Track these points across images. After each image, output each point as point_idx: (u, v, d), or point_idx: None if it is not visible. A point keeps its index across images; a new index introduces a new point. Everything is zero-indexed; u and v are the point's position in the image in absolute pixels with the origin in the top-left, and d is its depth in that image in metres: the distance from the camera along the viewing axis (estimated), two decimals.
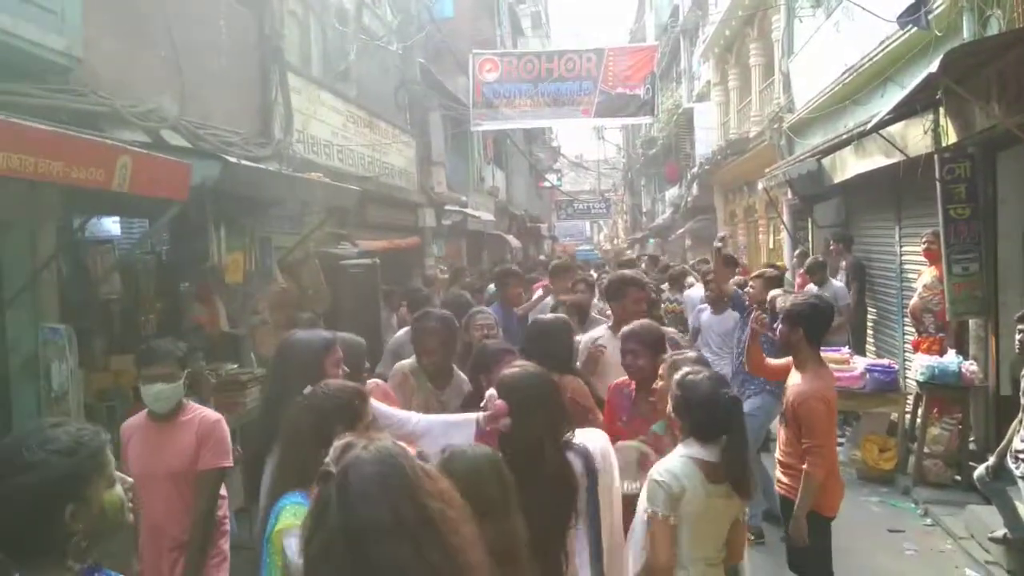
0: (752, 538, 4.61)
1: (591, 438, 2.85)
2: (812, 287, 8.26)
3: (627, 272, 5.45)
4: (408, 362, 4.09)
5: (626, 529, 2.92)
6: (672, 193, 27.31)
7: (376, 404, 2.78)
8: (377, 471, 1.42)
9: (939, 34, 6.66)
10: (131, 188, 3.82)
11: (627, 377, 3.80)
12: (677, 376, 2.88)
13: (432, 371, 3.98)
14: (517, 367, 2.89)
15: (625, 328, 3.95)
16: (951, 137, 6.22)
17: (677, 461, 2.73)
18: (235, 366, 6.17)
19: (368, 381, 3.60)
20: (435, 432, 2.87)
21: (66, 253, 5.18)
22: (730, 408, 2.73)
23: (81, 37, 4.92)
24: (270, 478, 2.61)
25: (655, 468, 2.75)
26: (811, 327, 3.87)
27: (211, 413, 3.53)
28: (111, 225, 6.92)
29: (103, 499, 1.65)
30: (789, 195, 12.58)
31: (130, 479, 1.80)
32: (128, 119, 5.31)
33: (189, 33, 6.50)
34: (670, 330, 5.30)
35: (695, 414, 2.75)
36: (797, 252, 11.41)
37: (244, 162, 5.79)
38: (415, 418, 3.01)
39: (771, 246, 15.90)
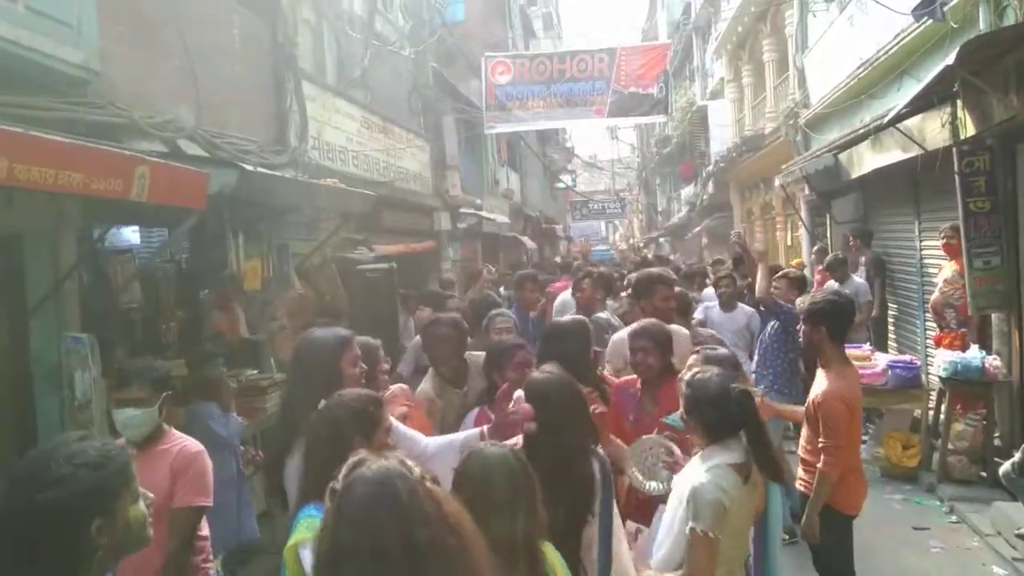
0: (786, 537, 4.57)
1: None
2: (832, 284, 8.20)
3: (654, 270, 5.39)
4: (426, 384, 4.05)
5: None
6: (687, 191, 27.22)
7: (395, 425, 2.79)
8: (370, 492, 1.41)
9: (955, 26, 6.60)
10: (150, 198, 3.86)
11: (632, 377, 3.82)
12: (686, 376, 2.86)
13: (450, 375, 4.02)
14: (546, 373, 2.88)
15: (635, 325, 3.97)
16: (969, 130, 6.17)
17: (717, 473, 2.63)
18: (255, 372, 6.22)
19: (392, 386, 3.63)
20: (446, 457, 2.82)
21: (87, 263, 5.24)
22: (742, 402, 2.70)
23: (97, 50, 4.98)
24: (296, 485, 2.62)
25: (700, 485, 2.62)
26: (833, 324, 3.83)
27: (192, 444, 3.25)
28: (131, 235, 7.01)
29: (129, 514, 1.65)
30: (806, 191, 12.50)
31: (151, 495, 1.79)
32: (145, 130, 5.37)
33: (203, 43, 6.57)
34: (706, 330, 5.30)
35: (707, 413, 2.72)
36: (816, 248, 11.33)
37: (260, 170, 5.83)
38: (426, 441, 3.03)
39: (789, 243, 15.80)
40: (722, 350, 3.56)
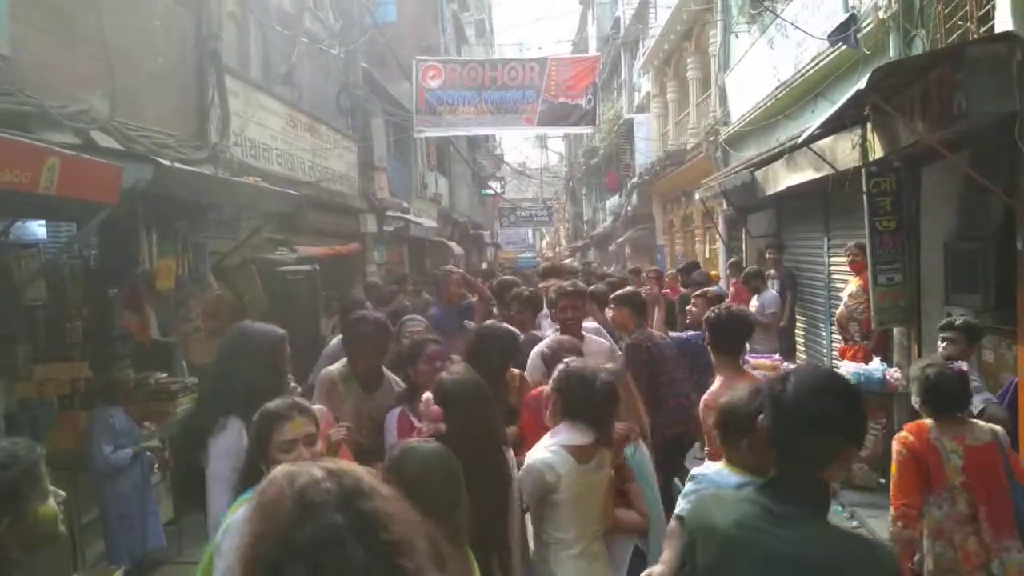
0: None
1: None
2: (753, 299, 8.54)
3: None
4: (337, 367, 4.04)
5: None
6: (613, 202, 27.69)
7: None
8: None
9: (867, 52, 6.93)
10: (59, 191, 3.70)
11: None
12: (566, 360, 3.11)
13: (365, 376, 3.96)
14: (455, 374, 3.02)
15: (550, 341, 4.13)
16: (877, 152, 6.46)
17: (550, 452, 2.86)
18: (165, 375, 6.01)
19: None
20: None
21: None
22: (606, 392, 2.92)
23: (7, 34, 4.75)
24: (221, 463, 2.64)
25: (528, 460, 2.90)
26: (714, 336, 3.89)
27: None
28: (37, 228, 6.66)
29: (38, 512, 1.68)
30: (724, 206, 12.88)
31: (63, 493, 1.81)
32: (57, 120, 5.14)
33: (123, 32, 6.33)
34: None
35: (571, 391, 2.92)
36: (731, 261, 11.70)
37: (178, 165, 5.65)
38: None
39: (707, 255, 16.26)
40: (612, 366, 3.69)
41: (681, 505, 2.62)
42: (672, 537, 2.44)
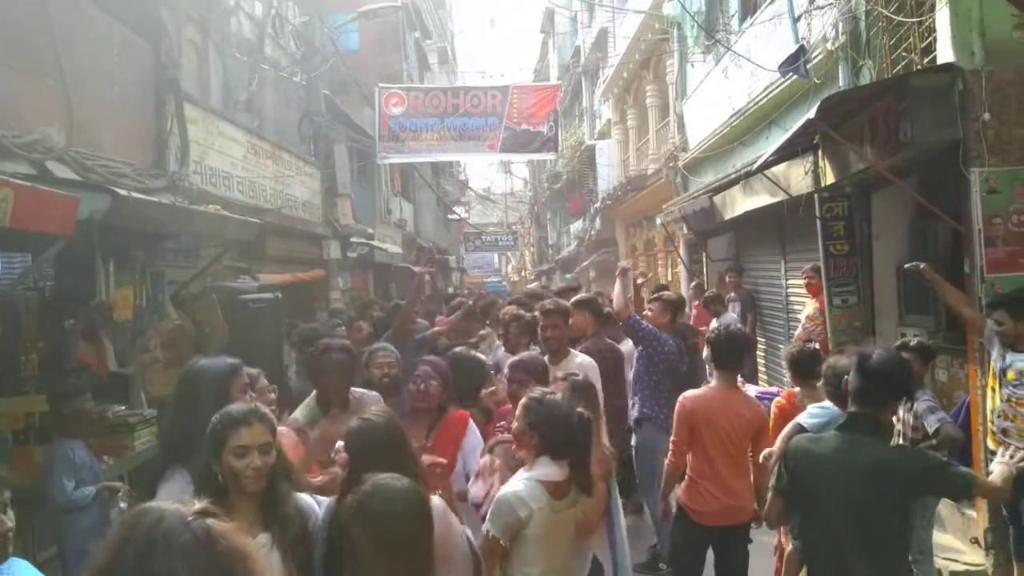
0: None
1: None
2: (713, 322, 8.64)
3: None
4: (301, 414, 3.91)
5: None
6: (577, 226, 27.92)
7: None
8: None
9: (818, 82, 7.15)
10: (12, 223, 3.64)
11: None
12: (534, 393, 3.03)
13: (337, 401, 3.89)
14: (366, 418, 2.82)
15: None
16: (829, 178, 6.65)
17: (523, 484, 2.82)
18: (123, 408, 5.89)
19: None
20: None
21: None
22: (585, 428, 2.92)
23: None
24: None
25: (503, 493, 2.84)
26: (713, 352, 4.33)
27: None
28: None
29: None
30: (685, 230, 13.09)
31: (9, 523, 1.80)
32: (11, 149, 5.06)
33: (79, 61, 6.27)
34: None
35: (549, 430, 2.87)
36: (693, 284, 11.87)
37: (135, 195, 5.59)
38: None
39: (669, 278, 16.44)
40: (581, 377, 3.73)
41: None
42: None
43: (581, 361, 4.85)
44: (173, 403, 3.13)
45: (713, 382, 4.38)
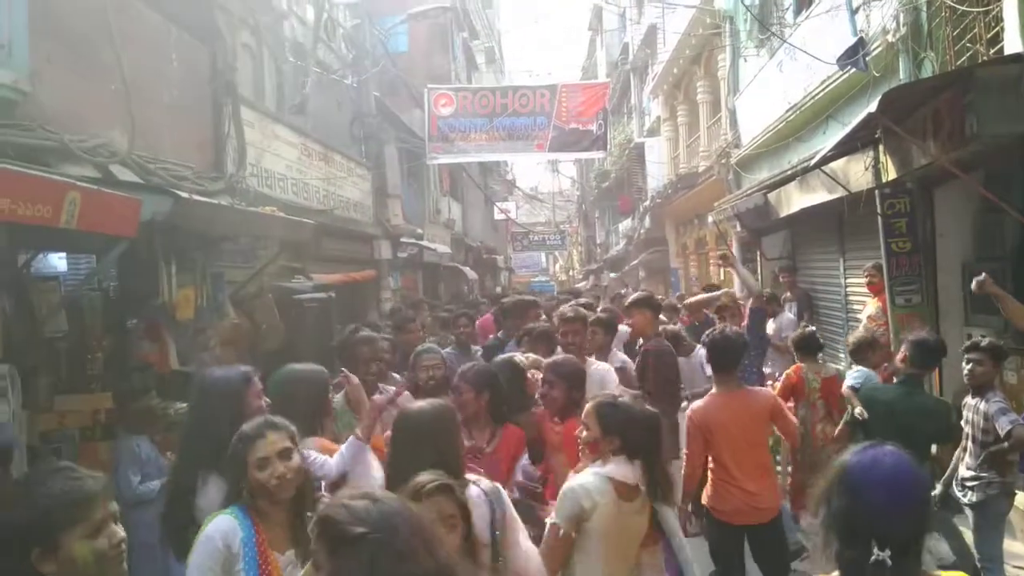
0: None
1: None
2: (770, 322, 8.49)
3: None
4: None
5: None
6: (626, 225, 27.72)
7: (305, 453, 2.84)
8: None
9: (877, 75, 6.95)
10: (79, 225, 3.75)
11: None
12: (605, 400, 3.02)
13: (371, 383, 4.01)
14: (418, 405, 2.97)
15: (549, 360, 4.12)
16: (891, 173, 6.46)
17: (592, 477, 2.82)
18: (184, 405, 6.03)
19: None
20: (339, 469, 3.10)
21: (10, 290, 5.04)
22: (657, 428, 2.94)
23: (28, 70, 4.84)
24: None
25: (569, 486, 2.84)
26: (711, 356, 4.41)
27: None
28: (57, 261, 6.76)
29: (75, 549, 1.71)
30: (738, 228, 12.88)
31: (122, 533, 1.84)
32: (77, 154, 5.21)
33: (140, 66, 6.43)
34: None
35: (628, 432, 2.86)
36: None
37: (196, 197, 5.72)
38: (320, 460, 3.11)
39: (721, 278, 16.20)
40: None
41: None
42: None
43: (597, 368, 4.80)
44: (191, 413, 3.19)
45: (713, 388, 4.37)
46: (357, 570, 1.48)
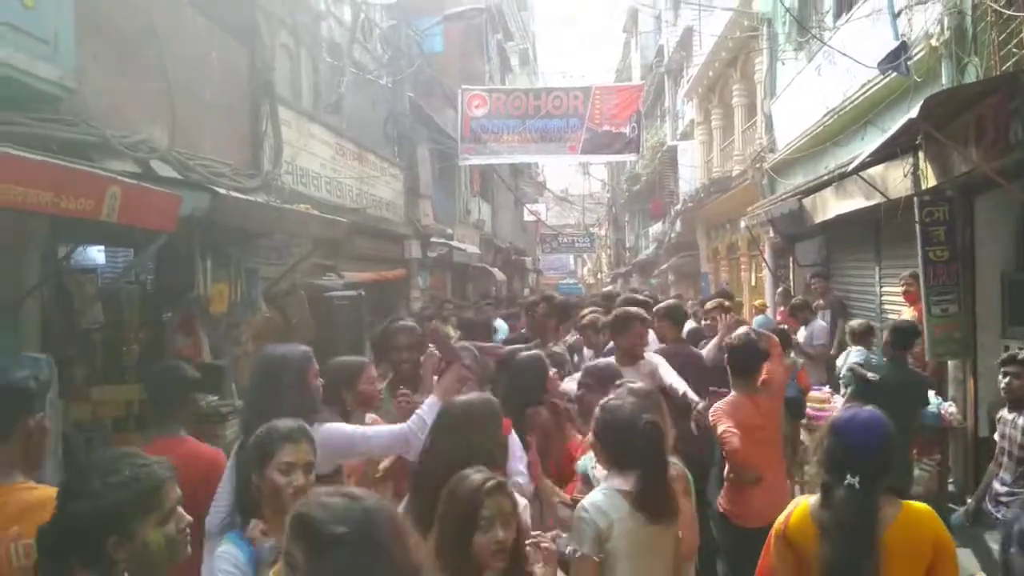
0: None
1: None
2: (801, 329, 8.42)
3: (632, 309, 5.34)
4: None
5: None
6: (656, 229, 27.55)
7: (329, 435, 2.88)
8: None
9: (918, 80, 6.83)
10: (120, 219, 3.82)
11: None
12: (604, 401, 2.87)
13: (405, 375, 4.03)
14: (466, 397, 2.97)
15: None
16: (930, 181, 6.34)
17: (601, 494, 2.66)
18: (215, 398, 6.11)
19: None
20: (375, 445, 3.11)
21: (49, 282, 5.15)
22: (649, 435, 2.67)
23: (73, 67, 4.94)
24: None
25: (580, 504, 2.67)
26: (731, 359, 4.40)
27: None
28: (96, 254, 6.89)
29: (148, 535, 1.73)
30: (771, 233, 12.74)
31: (188, 517, 1.86)
32: (118, 149, 5.32)
33: (181, 64, 6.55)
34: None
35: (612, 439, 2.72)
36: (780, 290, 11.52)
37: (233, 194, 5.80)
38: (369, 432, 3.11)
39: (753, 283, 16.05)
40: (641, 385, 3.56)
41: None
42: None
43: (650, 358, 4.76)
44: (254, 389, 3.14)
45: (732, 392, 4.34)
46: (336, 571, 1.45)
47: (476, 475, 2.24)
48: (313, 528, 1.49)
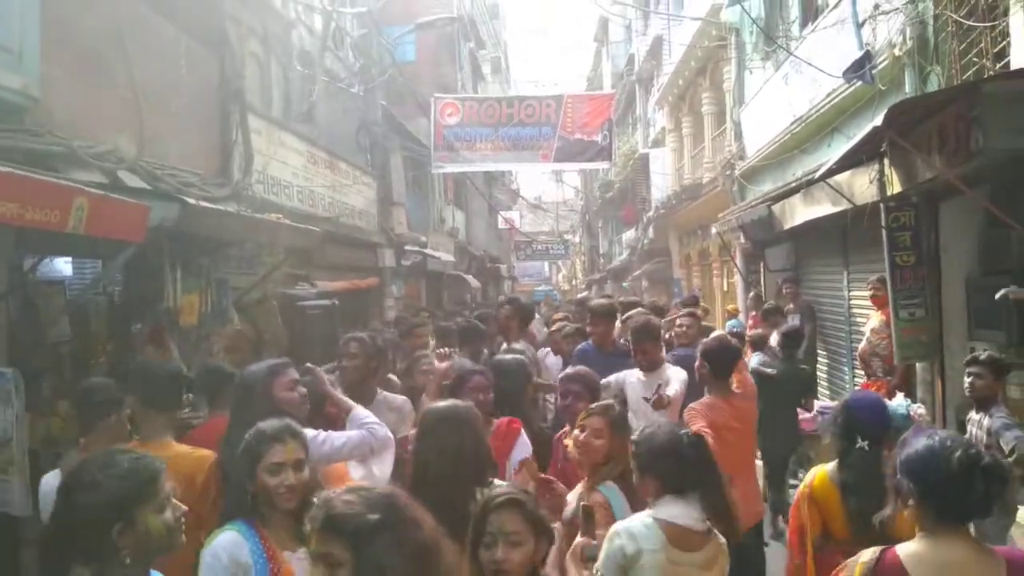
0: None
1: None
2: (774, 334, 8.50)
3: (653, 318, 5.39)
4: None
5: None
6: (629, 236, 27.73)
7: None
8: None
9: (883, 88, 6.96)
10: (87, 230, 3.78)
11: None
12: (633, 437, 2.76)
13: (356, 394, 3.92)
14: (444, 404, 2.95)
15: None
16: (896, 187, 6.45)
17: (640, 522, 2.55)
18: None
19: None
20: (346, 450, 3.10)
21: (15, 294, 5.06)
22: (698, 447, 2.63)
23: (38, 76, 4.87)
24: None
25: (615, 526, 2.58)
26: (710, 361, 4.39)
27: None
28: (63, 265, 6.78)
29: (149, 522, 1.85)
30: (742, 239, 12.87)
31: (184, 507, 1.97)
32: (85, 160, 5.25)
33: (149, 73, 6.47)
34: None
35: (661, 464, 2.59)
36: (751, 295, 11.65)
37: (203, 203, 5.75)
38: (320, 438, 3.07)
39: (725, 288, 16.21)
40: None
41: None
42: None
43: (668, 369, 4.83)
44: (231, 419, 3.12)
45: (707, 395, 4.37)
46: (387, 554, 1.52)
47: (495, 490, 2.21)
48: (350, 523, 1.57)
